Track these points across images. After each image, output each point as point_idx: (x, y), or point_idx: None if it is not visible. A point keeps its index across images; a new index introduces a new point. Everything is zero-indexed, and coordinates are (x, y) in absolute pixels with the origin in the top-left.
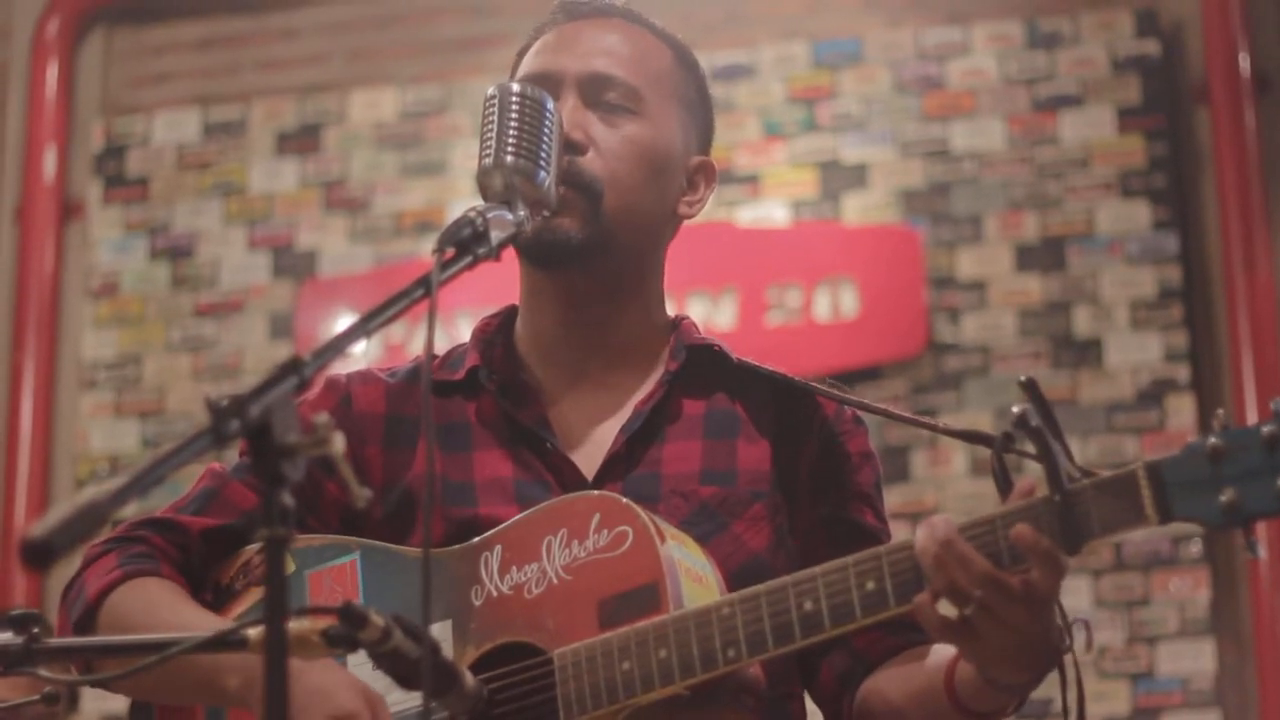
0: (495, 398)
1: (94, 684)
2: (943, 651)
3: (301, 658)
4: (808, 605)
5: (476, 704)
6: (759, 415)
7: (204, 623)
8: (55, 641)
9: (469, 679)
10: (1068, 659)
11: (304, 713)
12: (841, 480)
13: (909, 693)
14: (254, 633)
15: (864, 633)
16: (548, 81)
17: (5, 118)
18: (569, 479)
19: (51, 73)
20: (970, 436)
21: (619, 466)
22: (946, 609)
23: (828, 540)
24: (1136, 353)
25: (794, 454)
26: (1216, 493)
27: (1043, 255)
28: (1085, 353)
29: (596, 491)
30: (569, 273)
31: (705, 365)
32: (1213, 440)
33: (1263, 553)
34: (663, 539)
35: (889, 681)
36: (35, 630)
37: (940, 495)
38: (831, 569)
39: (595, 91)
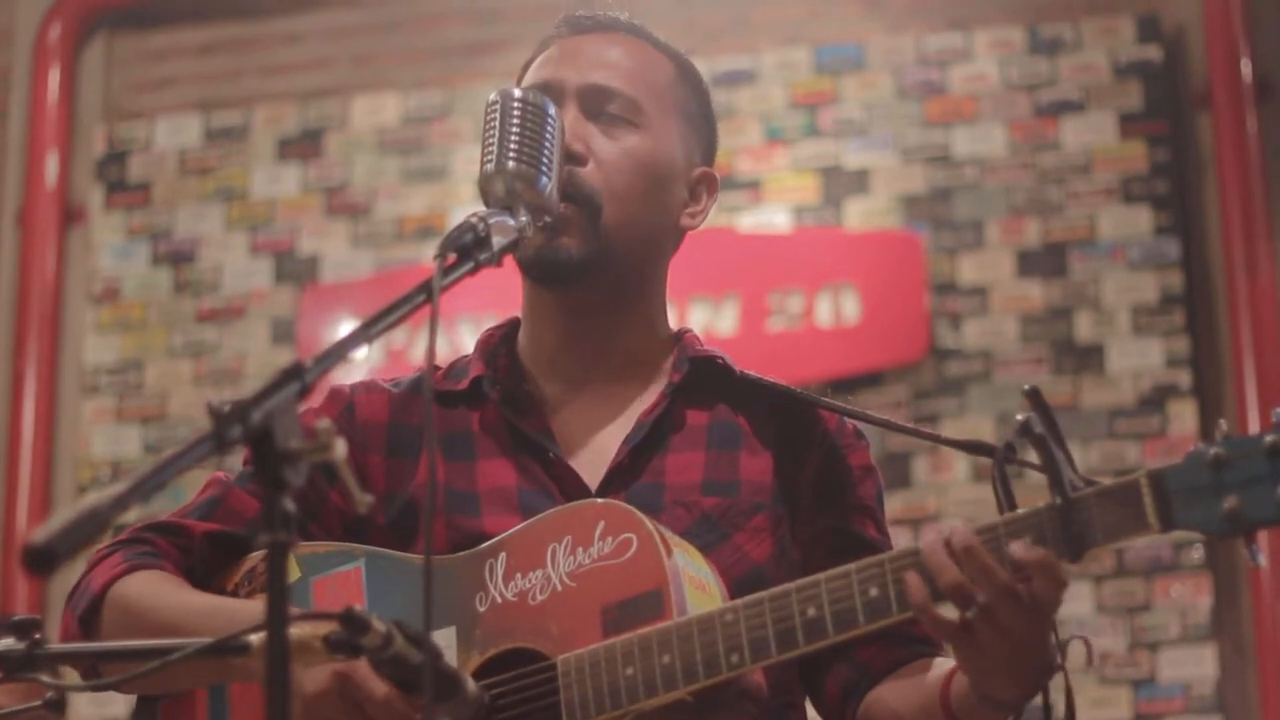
0: (498, 407)
1: (97, 689)
2: (942, 667)
3: (303, 664)
4: (811, 611)
5: (478, 710)
6: (761, 427)
7: (208, 606)
8: (57, 647)
9: (471, 685)
10: (1059, 674)
11: None
12: (843, 494)
13: (908, 707)
14: (256, 639)
15: (868, 645)
16: (549, 92)
17: (7, 123)
18: (572, 489)
19: (53, 78)
20: (971, 447)
21: (622, 477)
22: (947, 610)
23: (829, 553)
24: (1138, 358)
25: (796, 467)
26: (1219, 501)
27: (1044, 261)
28: (1087, 358)
29: (601, 499)
30: (570, 289)
31: (708, 377)
32: (1215, 449)
33: (1264, 561)
34: (667, 547)
35: (889, 696)
36: (37, 636)
37: (942, 501)
38: (835, 575)
39: (596, 103)
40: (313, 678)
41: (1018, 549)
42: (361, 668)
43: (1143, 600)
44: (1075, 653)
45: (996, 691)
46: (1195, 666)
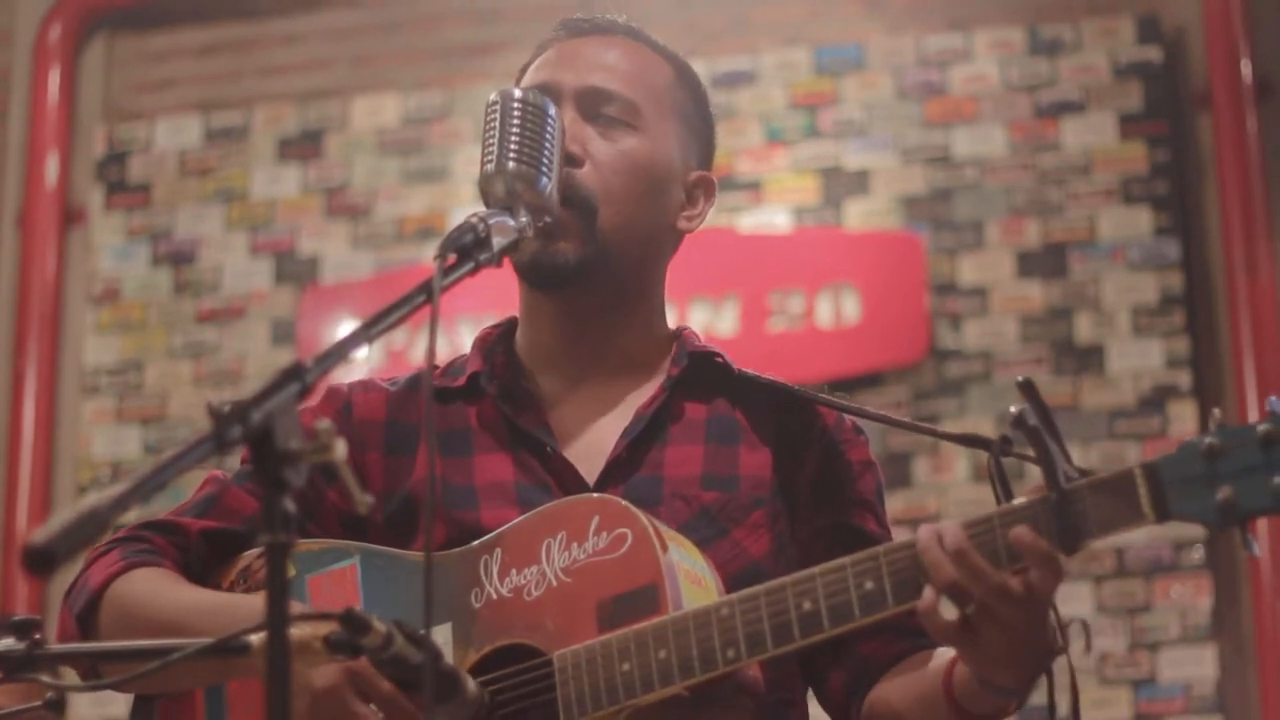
0: (495, 402)
1: (96, 689)
2: (943, 656)
3: (305, 664)
4: (806, 605)
5: (479, 709)
6: (760, 423)
7: (207, 604)
8: (57, 647)
9: (470, 684)
10: (1061, 661)
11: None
12: (843, 489)
13: (911, 698)
14: (256, 639)
15: (868, 639)
16: (546, 94)
17: (7, 123)
18: (569, 482)
19: (53, 78)
20: (968, 440)
21: (620, 470)
22: (946, 609)
23: (829, 547)
24: (1138, 359)
25: (795, 463)
26: (1213, 491)
27: (1044, 261)
28: (1087, 359)
29: (596, 494)
30: (567, 293)
31: (707, 373)
32: (1209, 439)
33: (1259, 550)
34: (662, 541)
35: (893, 689)
36: (37, 636)
37: (942, 501)
38: (830, 569)
39: (593, 105)
40: (322, 674)
41: (1022, 534)
42: (369, 666)
43: (1143, 601)
44: (1076, 647)
45: (998, 679)
46: (1195, 667)
